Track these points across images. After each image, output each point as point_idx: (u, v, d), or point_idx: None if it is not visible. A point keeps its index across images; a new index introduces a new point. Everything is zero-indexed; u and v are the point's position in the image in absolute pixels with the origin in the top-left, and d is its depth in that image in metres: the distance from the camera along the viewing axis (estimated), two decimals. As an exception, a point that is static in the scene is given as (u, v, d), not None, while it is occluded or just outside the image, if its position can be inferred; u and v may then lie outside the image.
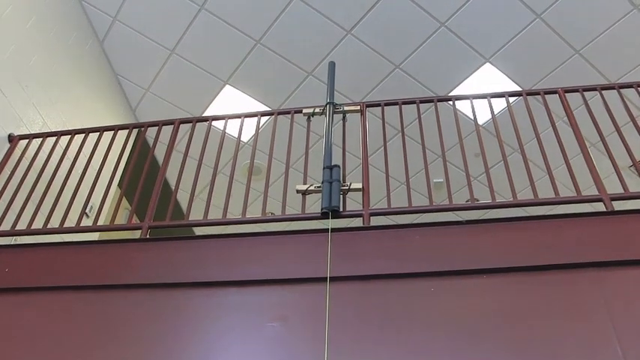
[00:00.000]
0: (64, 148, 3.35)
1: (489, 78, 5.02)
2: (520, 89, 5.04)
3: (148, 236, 2.66)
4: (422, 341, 1.97)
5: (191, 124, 3.32)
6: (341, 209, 2.51)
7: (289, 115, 3.17)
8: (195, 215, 2.83)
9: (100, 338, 2.17)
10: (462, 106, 4.01)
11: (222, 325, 2.11)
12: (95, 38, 4.87)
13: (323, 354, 1.86)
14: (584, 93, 3.04)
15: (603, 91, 3.03)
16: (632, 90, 3.05)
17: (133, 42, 4.89)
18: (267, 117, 3.68)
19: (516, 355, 1.88)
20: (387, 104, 3.16)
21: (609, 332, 1.85)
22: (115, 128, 3.44)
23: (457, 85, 5.15)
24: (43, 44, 4.14)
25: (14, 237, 3.06)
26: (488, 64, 4.94)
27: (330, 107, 3.01)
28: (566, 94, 3.03)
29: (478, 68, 4.99)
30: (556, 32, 4.64)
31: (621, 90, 3.03)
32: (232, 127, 3.32)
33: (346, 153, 2.90)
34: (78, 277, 2.44)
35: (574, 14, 4.50)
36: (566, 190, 2.61)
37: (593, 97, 3.05)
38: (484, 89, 4.91)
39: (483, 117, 3.79)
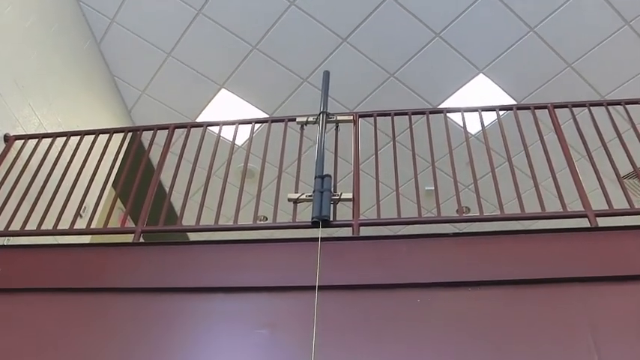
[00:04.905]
0: (59, 149, 3.37)
1: (482, 89, 5.07)
2: (512, 100, 5.11)
3: (140, 240, 2.69)
4: (407, 351, 2.01)
5: (186, 129, 3.35)
6: (331, 218, 2.55)
7: (283, 123, 3.21)
8: (190, 217, 2.86)
9: (89, 341, 2.20)
10: (454, 116, 4.07)
11: (210, 330, 2.14)
12: (93, 39, 4.89)
13: (310, 361, 1.90)
14: (574, 108, 3.10)
15: (592, 107, 3.08)
16: (620, 106, 3.11)
17: (130, 44, 4.92)
18: (261, 124, 3.72)
19: (498, 367, 1.93)
20: (379, 115, 3.20)
21: (590, 347, 1.89)
22: (111, 131, 3.47)
23: (450, 95, 5.20)
24: (41, 44, 4.17)
25: (7, 237, 3.08)
26: (481, 75, 5.00)
27: (323, 116, 3.05)
28: (555, 109, 3.08)
29: (471, 79, 5.04)
30: (549, 45, 4.70)
31: (610, 106, 3.08)
32: (227, 131, 3.36)
33: (338, 159, 2.94)
34: (70, 279, 2.47)
35: (567, 28, 4.56)
36: (554, 200, 2.66)
37: (583, 111, 3.10)
38: (477, 99, 5.00)
39: (475, 128, 3.84)
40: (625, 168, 2.88)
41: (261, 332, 2.07)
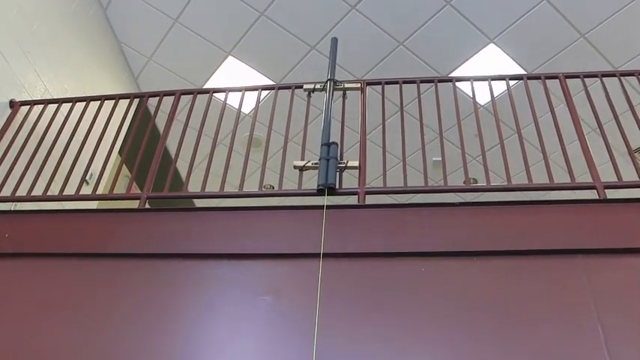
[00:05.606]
0: (65, 115, 3.36)
1: (493, 59, 4.99)
2: (523, 71, 5.03)
3: (145, 206, 2.70)
4: (410, 319, 2.01)
5: (192, 95, 3.32)
6: (337, 186, 2.53)
7: (290, 90, 3.18)
8: (196, 184, 2.86)
9: (95, 305, 2.22)
10: (464, 86, 4.01)
11: (214, 296, 2.16)
12: (98, 5, 4.84)
13: (313, 328, 1.91)
14: (585, 79, 3.04)
15: (604, 78, 3.02)
16: (634, 78, 3.05)
17: (137, 10, 4.86)
18: (268, 91, 3.69)
19: (501, 337, 1.93)
20: (387, 83, 3.16)
21: (593, 317, 1.89)
22: (117, 97, 3.45)
23: (460, 65, 5.12)
24: (46, 10, 4.12)
25: (15, 203, 3.09)
26: (492, 45, 4.91)
27: (330, 84, 3.02)
28: (567, 80, 3.02)
29: (482, 48, 4.96)
30: (562, 15, 4.60)
31: (622, 77, 3.02)
32: (233, 99, 3.33)
33: (345, 128, 2.91)
34: (76, 244, 2.48)
35: (581, -3, 4.46)
36: (563, 174, 2.63)
37: (595, 83, 3.04)
38: (487, 70, 4.92)
39: (484, 98, 3.79)
40: (636, 141, 2.84)
41: (264, 299, 2.08)
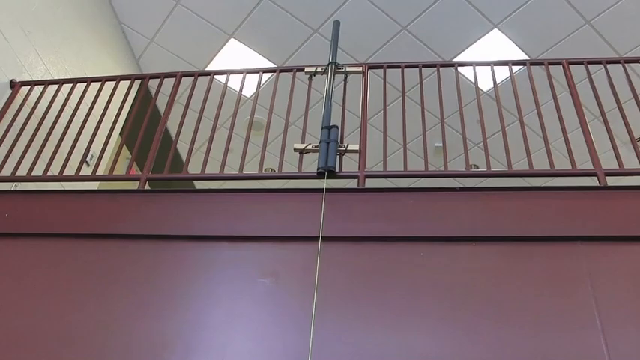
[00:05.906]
0: (65, 95, 3.35)
1: (496, 44, 4.95)
2: (526, 57, 4.99)
3: (146, 188, 2.70)
4: (408, 303, 2.01)
5: (193, 77, 3.31)
6: (337, 170, 2.53)
7: (291, 73, 3.17)
8: (196, 167, 2.85)
9: (93, 286, 2.22)
10: (467, 72, 3.99)
11: (213, 278, 2.16)
12: (100, -15, 4.81)
13: (311, 311, 1.92)
14: (589, 65, 3.02)
15: (608, 65, 3.00)
16: (638, 65, 3.03)
17: (138, -9, 4.83)
18: (270, 73, 3.66)
19: (498, 322, 1.93)
20: (389, 67, 3.14)
21: (590, 304, 1.89)
22: (117, 78, 3.44)
23: (463, 50, 5.08)
24: (47, -11, 4.09)
25: (15, 183, 3.09)
26: (496, 30, 4.87)
27: (332, 67, 3.00)
28: (570, 66, 3.00)
29: (486, 34, 4.91)
30: (567, 0, 4.56)
31: (627, 64, 3.00)
32: (235, 82, 3.31)
33: (347, 113, 2.90)
34: (76, 224, 2.48)
35: (587, -17, 4.42)
36: (564, 161, 2.62)
37: (599, 71, 3.02)
38: (491, 55, 4.88)
39: (487, 84, 3.77)
40: (639, 129, 2.82)
41: (263, 281, 2.09)
